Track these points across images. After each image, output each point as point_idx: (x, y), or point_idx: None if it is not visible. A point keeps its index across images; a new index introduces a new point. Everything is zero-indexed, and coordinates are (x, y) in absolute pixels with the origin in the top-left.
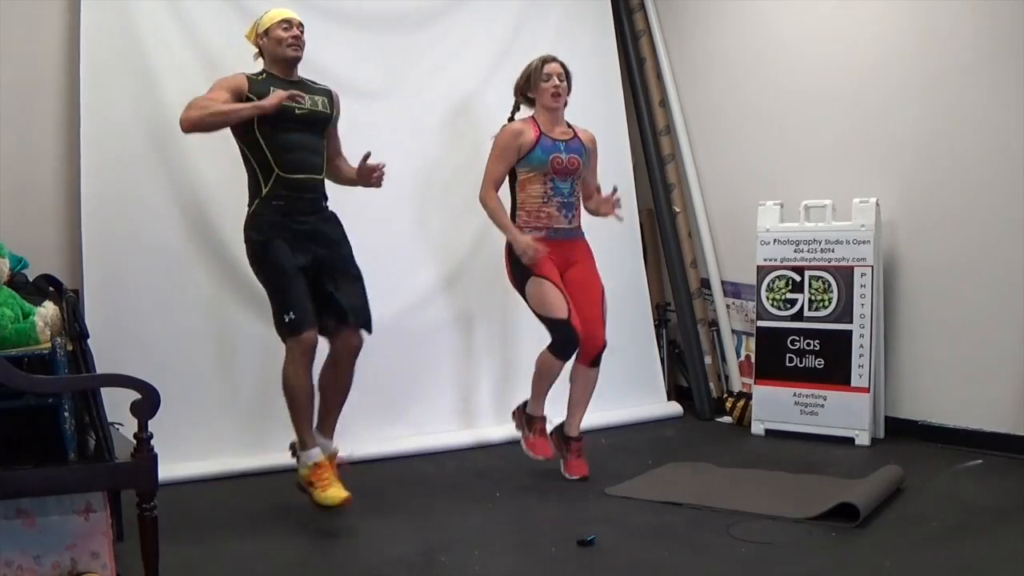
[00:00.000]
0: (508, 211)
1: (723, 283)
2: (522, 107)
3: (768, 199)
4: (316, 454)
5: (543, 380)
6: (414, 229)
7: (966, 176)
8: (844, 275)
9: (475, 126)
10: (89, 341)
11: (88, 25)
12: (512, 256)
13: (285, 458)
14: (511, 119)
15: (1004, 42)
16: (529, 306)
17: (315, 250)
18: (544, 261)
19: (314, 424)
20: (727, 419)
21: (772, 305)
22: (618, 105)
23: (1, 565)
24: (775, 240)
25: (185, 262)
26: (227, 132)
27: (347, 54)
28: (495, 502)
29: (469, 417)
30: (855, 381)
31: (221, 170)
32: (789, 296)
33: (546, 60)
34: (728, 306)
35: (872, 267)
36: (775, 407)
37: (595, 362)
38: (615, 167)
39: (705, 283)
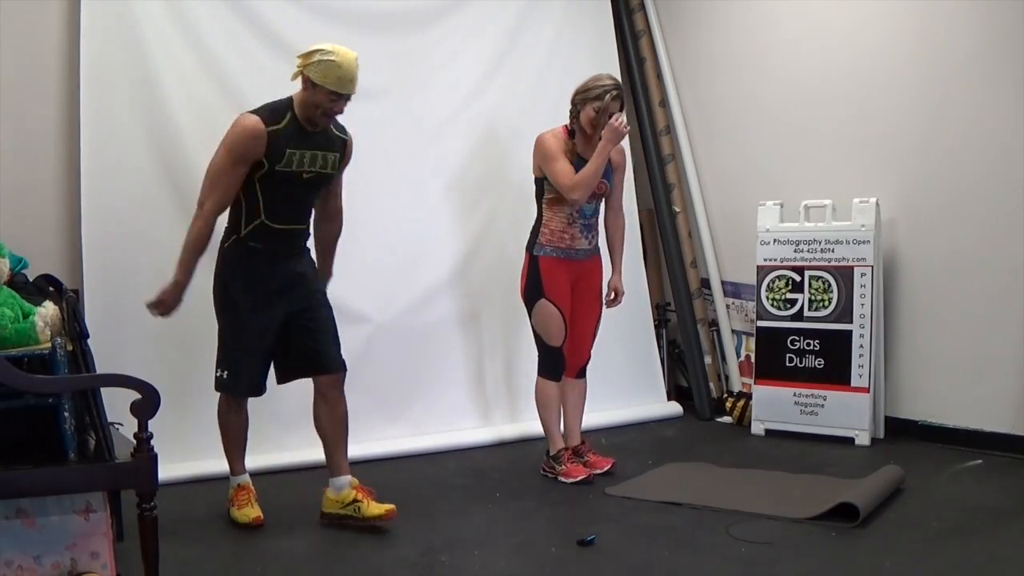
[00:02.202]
0: (534, 225)
1: (723, 283)
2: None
3: (768, 199)
4: (242, 479)
5: (548, 410)
6: (414, 228)
7: (966, 176)
8: (844, 275)
9: (476, 125)
10: (89, 341)
11: (88, 25)
12: (530, 269)
13: (285, 458)
14: (568, 130)
15: (1004, 42)
16: (530, 320)
17: (286, 306)
18: (559, 284)
19: (246, 456)
20: (727, 419)
21: (772, 305)
22: None
23: (1, 565)
24: (775, 240)
25: None
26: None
27: None
28: (495, 502)
29: (469, 417)
30: (855, 381)
31: None
32: (789, 296)
33: (609, 96)
34: (728, 306)
35: (872, 267)
36: (775, 407)
37: (581, 374)
38: None
39: (705, 283)
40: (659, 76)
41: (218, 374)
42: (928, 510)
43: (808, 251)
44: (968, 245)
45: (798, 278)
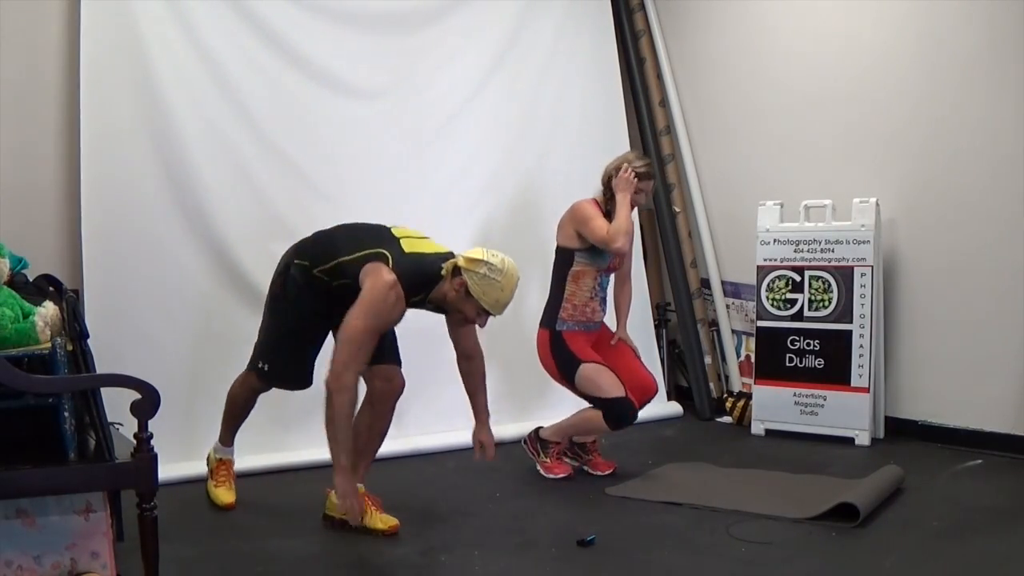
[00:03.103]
0: (548, 298)
1: (723, 283)
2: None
3: (768, 199)
4: (226, 453)
5: (579, 432)
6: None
7: (966, 176)
8: (844, 275)
9: (476, 126)
10: (89, 341)
11: (88, 25)
12: (555, 346)
13: (285, 458)
14: (605, 206)
15: (1004, 42)
16: (577, 392)
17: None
18: (586, 348)
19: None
20: (727, 419)
21: (772, 305)
22: (618, 105)
23: (1, 565)
24: (775, 240)
25: (185, 262)
26: (227, 134)
27: (347, 54)
28: (495, 502)
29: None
30: (855, 381)
31: (221, 170)
32: (789, 296)
33: (644, 176)
34: (728, 306)
35: (872, 267)
36: (775, 407)
37: (643, 405)
38: None
39: (705, 283)
40: (659, 76)
41: (260, 365)
42: (928, 510)
43: (808, 251)
44: (968, 245)
45: (798, 278)
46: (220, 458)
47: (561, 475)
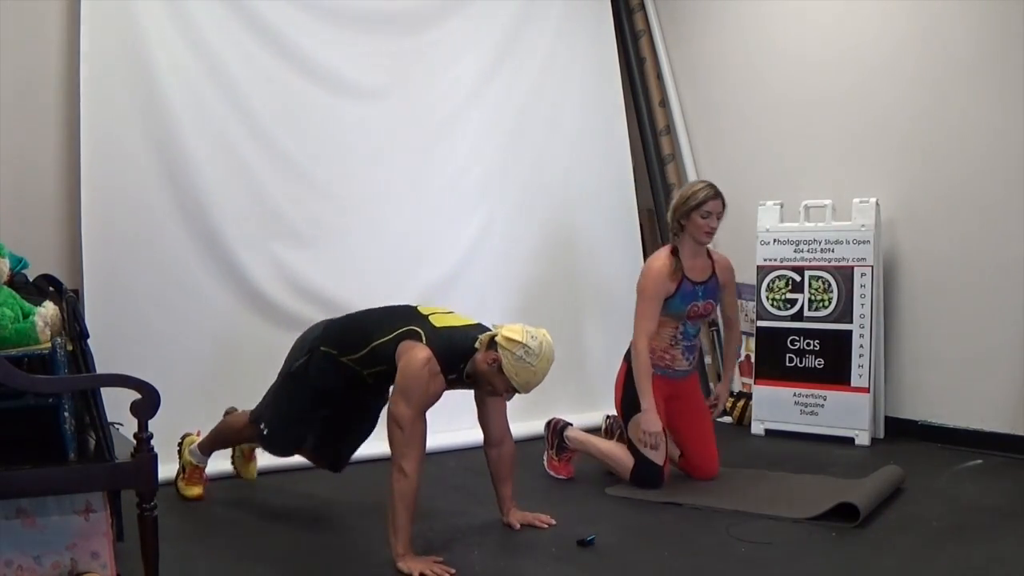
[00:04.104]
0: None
1: None
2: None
3: (768, 199)
4: (204, 460)
5: (601, 459)
6: (414, 228)
7: (966, 176)
8: (844, 275)
9: (476, 125)
10: (89, 341)
11: (88, 25)
12: (628, 382)
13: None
14: (672, 248)
15: (1004, 42)
16: (627, 432)
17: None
18: (659, 399)
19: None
20: (727, 419)
21: (772, 305)
22: (618, 105)
23: (1, 565)
24: (775, 240)
25: (185, 262)
26: (227, 134)
27: (347, 54)
28: (495, 502)
29: (469, 416)
30: (855, 381)
31: (221, 170)
32: (789, 296)
33: (710, 197)
34: None
35: (872, 267)
36: (775, 407)
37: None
38: (615, 167)
39: None
40: (659, 76)
41: (261, 427)
42: (928, 510)
43: (808, 251)
44: (968, 245)
45: (798, 278)
46: (196, 464)
47: (562, 476)
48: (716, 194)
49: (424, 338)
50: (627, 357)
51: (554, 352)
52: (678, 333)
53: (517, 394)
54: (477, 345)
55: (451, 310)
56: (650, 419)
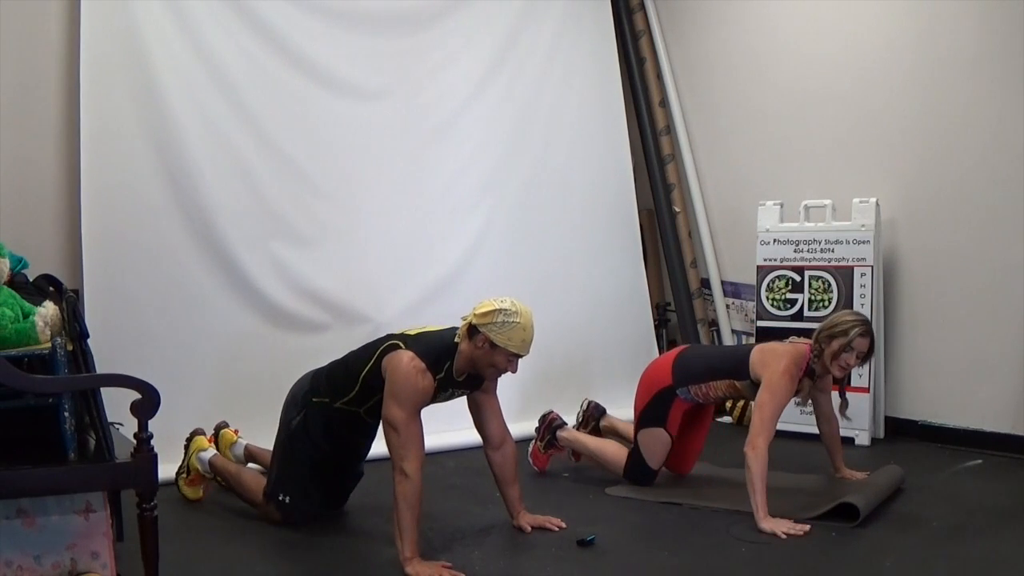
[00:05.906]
0: (700, 370)
1: (723, 283)
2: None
3: (768, 199)
4: (209, 473)
5: (592, 456)
6: (414, 228)
7: (966, 176)
8: (844, 275)
9: (476, 125)
10: (89, 341)
11: (88, 25)
12: (662, 398)
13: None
14: (808, 370)
15: (1004, 42)
16: (636, 435)
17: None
18: (677, 420)
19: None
20: (727, 419)
21: (772, 305)
22: (618, 105)
23: (1, 565)
24: (775, 240)
25: (185, 262)
26: (227, 134)
27: (347, 54)
28: (495, 502)
29: (468, 416)
30: (855, 381)
31: (221, 170)
32: (789, 296)
33: (863, 334)
34: (728, 306)
35: (872, 267)
36: None
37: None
38: (615, 167)
39: (705, 283)
40: (659, 76)
41: (280, 497)
42: (928, 510)
43: (808, 251)
44: (968, 245)
45: (798, 278)
46: (201, 472)
47: (537, 468)
48: (865, 333)
49: (404, 345)
50: (673, 372)
51: (526, 304)
52: (729, 395)
53: (520, 359)
54: (457, 339)
55: (425, 326)
56: (774, 523)
